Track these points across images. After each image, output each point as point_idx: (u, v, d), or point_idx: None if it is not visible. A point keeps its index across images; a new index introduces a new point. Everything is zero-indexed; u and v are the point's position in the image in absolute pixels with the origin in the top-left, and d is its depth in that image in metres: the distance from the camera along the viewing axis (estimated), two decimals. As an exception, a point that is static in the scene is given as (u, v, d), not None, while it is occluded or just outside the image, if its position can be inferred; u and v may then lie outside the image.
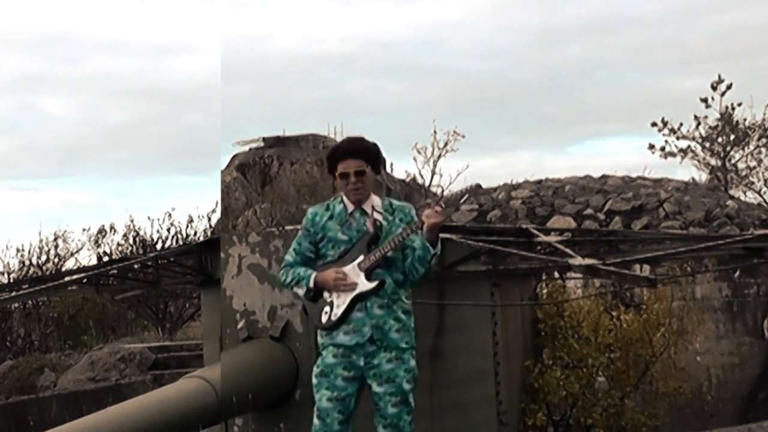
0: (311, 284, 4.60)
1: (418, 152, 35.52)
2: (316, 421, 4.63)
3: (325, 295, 4.61)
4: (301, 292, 4.66)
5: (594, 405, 7.67)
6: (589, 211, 15.36)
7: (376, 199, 4.72)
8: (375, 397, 4.62)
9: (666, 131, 28.07)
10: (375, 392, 4.61)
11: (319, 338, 4.69)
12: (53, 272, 18.35)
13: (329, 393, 4.57)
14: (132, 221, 21.14)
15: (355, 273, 4.55)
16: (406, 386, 4.66)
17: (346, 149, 4.72)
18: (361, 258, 4.57)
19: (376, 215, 4.66)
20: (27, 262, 20.60)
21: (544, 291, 8.40)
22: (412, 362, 4.70)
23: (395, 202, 4.81)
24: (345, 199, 4.70)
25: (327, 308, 4.59)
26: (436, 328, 6.77)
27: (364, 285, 4.54)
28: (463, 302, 6.71)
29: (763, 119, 27.45)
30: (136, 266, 8.50)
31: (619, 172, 16.98)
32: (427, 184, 36.38)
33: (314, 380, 4.64)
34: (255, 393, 6.11)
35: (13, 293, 8.88)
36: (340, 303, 4.56)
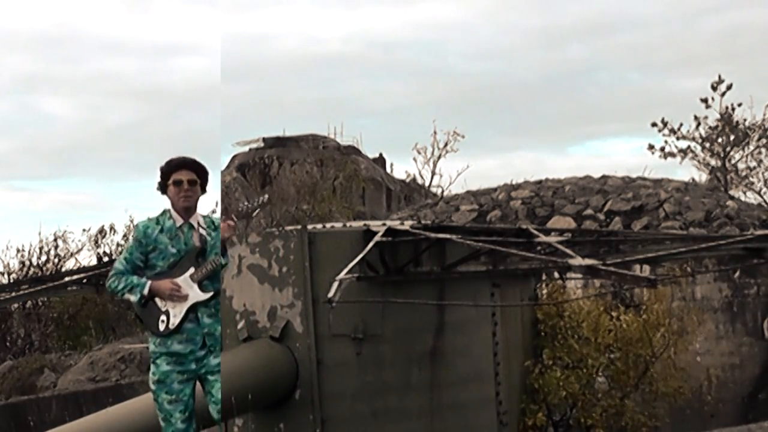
0: (146, 292, 4.91)
1: (418, 152, 35.63)
2: (162, 423, 5.03)
3: (159, 303, 4.94)
4: (133, 298, 4.94)
5: (594, 405, 7.67)
6: (589, 211, 15.36)
7: (200, 217, 5.13)
8: (207, 385, 5.03)
9: (666, 131, 28.09)
10: (208, 381, 5.03)
11: (152, 346, 5.01)
12: (53, 272, 18.35)
13: (168, 396, 4.97)
14: (132, 221, 21.16)
15: (187, 284, 4.93)
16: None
17: (181, 161, 5.11)
18: (192, 270, 4.96)
19: (201, 231, 5.07)
20: (27, 262, 20.60)
21: (544, 291, 8.39)
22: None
23: (215, 220, 5.21)
24: (174, 213, 5.07)
25: (163, 317, 4.92)
26: (436, 328, 6.77)
27: (198, 295, 4.94)
28: (463, 302, 6.71)
29: (763, 119, 27.46)
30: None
31: (619, 173, 17.00)
32: (427, 184, 36.45)
33: (152, 386, 5.01)
34: (255, 393, 6.11)
35: (13, 293, 8.88)
36: (176, 312, 4.91)
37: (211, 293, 4.99)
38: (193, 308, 4.94)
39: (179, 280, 4.93)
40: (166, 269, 4.98)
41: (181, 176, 5.04)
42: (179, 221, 5.06)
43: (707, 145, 27.94)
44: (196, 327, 4.96)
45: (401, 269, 6.59)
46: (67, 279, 8.95)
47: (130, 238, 5.11)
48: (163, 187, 5.13)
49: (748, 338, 13.05)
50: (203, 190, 5.18)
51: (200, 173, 5.11)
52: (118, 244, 21.32)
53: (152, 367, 5.01)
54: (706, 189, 18.33)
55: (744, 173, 27.91)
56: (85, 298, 17.81)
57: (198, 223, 5.09)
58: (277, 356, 6.64)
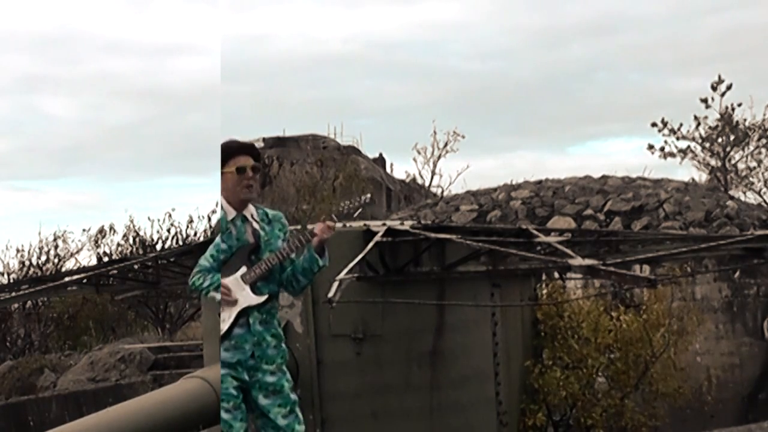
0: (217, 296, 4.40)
1: (418, 152, 35.66)
2: None
3: None
4: (218, 297, 4.41)
5: (594, 405, 7.67)
6: (589, 211, 15.37)
7: (252, 208, 4.55)
8: (263, 410, 4.48)
9: (666, 131, 28.10)
10: (262, 405, 4.47)
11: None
12: (53, 272, 18.36)
13: (225, 404, 4.43)
14: (132, 221, 21.19)
15: (238, 286, 4.39)
16: (293, 396, 4.57)
17: (241, 144, 4.54)
18: (243, 270, 4.41)
19: (255, 225, 4.51)
20: (27, 263, 20.61)
21: (544, 291, 8.40)
22: (289, 374, 4.61)
23: (270, 212, 4.65)
24: (225, 203, 4.50)
25: None
26: (436, 328, 6.77)
27: (251, 298, 4.40)
28: (463, 302, 6.71)
29: (763, 119, 27.47)
30: (136, 266, 8.51)
31: (619, 173, 17.02)
32: (427, 184, 36.47)
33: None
34: (255, 393, 6.11)
35: (13, 293, 8.88)
36: (225, 317, 4.39)
37: (265, 297, 4.42)
38: (244, 313, 4.39)
39: (229, 280, 4.38)
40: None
41: (245, 162, 4.42)
42: (231, 213, 4.47)
43: (707, 145, 27.95)
44: (246, 334, 4.40)
45: (401, 269, 6.59)
46: (67, 279, 8.94)
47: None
48: (222, 174, 4.49)
49: (748, 338, 13.06)
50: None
51: (259, 160, 4.52)
52: (118, 244, 21.37)
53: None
54: (706, 189, 18.33)
55: (744, 173, 27.92)
56: (85, 298, 17.83)
57: (252, 216, 4.51)
58: (277, 356, 6.64)
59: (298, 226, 5.09)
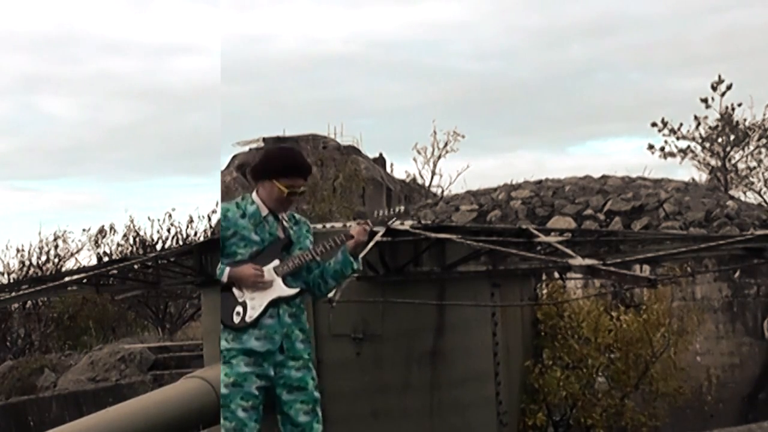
0: (224, 279, 4.43)
1: (418, 152, 35.67)
2: None
3: (237, 293, 4.44)
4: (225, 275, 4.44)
5: (594, 405, 7.66)
6: (589, 211, 15.37)
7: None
8: (284, 406, 4.48)
9: (666, 131, 28.14)
10: (284, 401, 4.47)
11: (224, 343, 4.45)
12: (53, 272, 18.37)
13: (245, 403, 4.37)
14: (132, 221, 21.20)
15: (270, 277, 4.44)
16: (316, 394, 4.60)
17: (305, 165, 4.64)
18: (276, 262, 4.47)
19: (285, 224, 4.62)
20: (27, 262, 20.63)
21: (544, 291, 8.39)
22: (314, 372, 4.64)
23: (296, 215, 4.76)
24: (258, 201, 4.57)
25: (239, 308, 4.40)
26: (436, 328, 6.76)
27: (283, 290, 4.45)
28: (463, 302, 6.71)
29: (763, 119, 27.50)
30: (136, 266, 8.49)
31: (619, 173, 17.03)
32: (427, 184, 36.47)
33: (224, 390, 4.40)
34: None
35: (13, 293, 8.86)
36: (255, 305, 4.40)
37: (297, 289, 4.48)
38: (275, 303, 4.42)
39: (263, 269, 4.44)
40: (247, 258, 4.46)
41: (297, 186, 4.55)
42: (264, 211, 4.55)
43: (707, 145, 27.97)
44: (275, 324, 4.42)
45: (401, 269, 6.59)
46: (67, 279, 8.93)
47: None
48: (260, 176, 4.59)
49: (748, 338, 13.07)
50: None
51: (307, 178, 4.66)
52: (118, 244, 21.38)
53: (225, 368, 4.41)
54: (706, 189, 18.34)
55: (744, 173, 27.95)
56: (85, 298, 17.85)
57: (282, 216, 4.63)
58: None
59: (336, 224, 5.11)
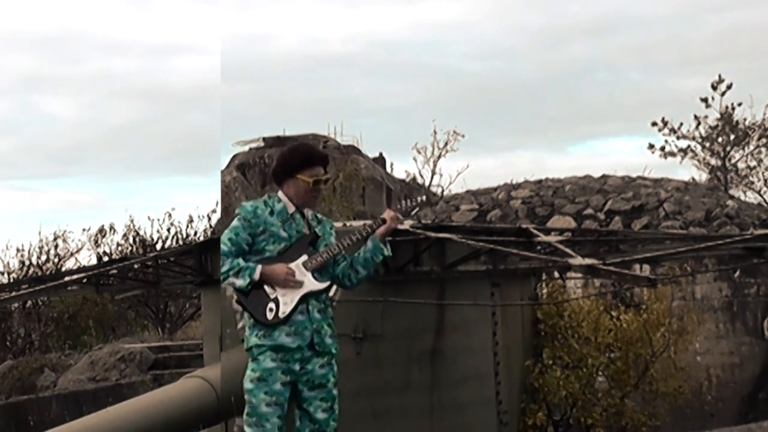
0: (256, 276, 4.46)
1: (418, 152, 35.56)
2: (249, 429, 4.46)
3: (268, 290, 4.48)
4: (240, 283, 4.46)
5: (594, 405, 7.66)
6: (589, 211, 15.37)
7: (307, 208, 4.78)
8: (303, 402, 4.55)
9: (666, 131, 28.15)
10: (304, 397, 4.54)
11: (254, 339, 4.50)
12: (53, 272, 18.36)
13: (268, 398, 4.43)
14: (132, 221, 21.19)
15: (300, 272, 4.52)
16: (335, 391, 4.65)
17: (323, 155, 4.80)
18: (304, 257, 4.55)
19: (310, 222, 4.73)
20: (27, 262, 20.61)
21: (544, 291, 8.39)
22: (336, 369, 4.69)
23: (318, 215, 4.86)
24: (285, 199, 4.68)
25: (272, 305, 4.45)
26: (436, 328, 6.76)
27: (313, 284, 4.52)
28: (463, 302, 6.71)
29: (763, 119, 27.51)
30: (136, 266, 8.49)
31: (619, 172, 17.03)
32: (427, 184, 36.46)
33: (249, 385, 4.48)
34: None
35: (13, 293, 8.86)
36: (287, 300, 4.46)
37: (327, 283, 4.56)
38: (304, 299, 4.49)
39: (291, 266, 4.51)
40: (275, 255, 4.53)
41: (322, 174, 4.68)
42: (291, 208, 4.65)
43: (707, 144, 27.97)
44: (306, 320, 4.49)
45: (401, 269, 6.59)
46: (67, 278, 8.92)
47: (234, 219, 4.60)
48: (284, 176, 4.69)
49: (748, 338, 13.07)
50: None
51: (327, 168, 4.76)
52: (118, 244, 21.37)
53: (252, 364, 4.49)
54: (706, 188, 18.34)
55: (744, 173, 27.95)
56: (85, 297, 17.83)
57: (307, 214, 4.73)
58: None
59: (335, 224, 5.20)
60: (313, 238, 4.65)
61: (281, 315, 4.45)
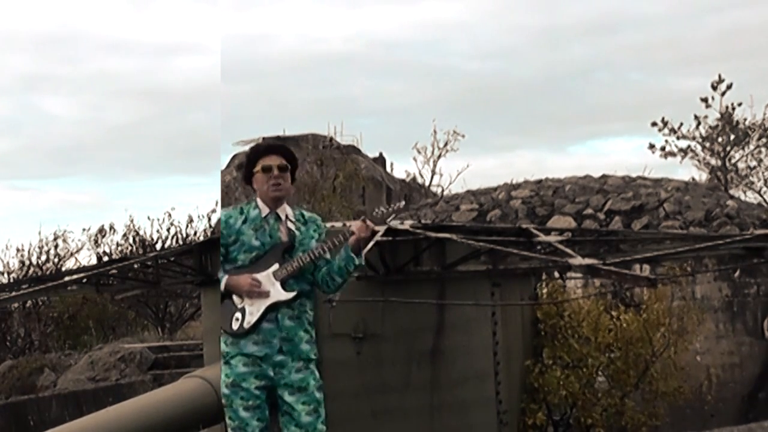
0: (222, 287, 4.51)
1: (418, 152, 35.68)
2: None
3: (236, 300, 4.50)
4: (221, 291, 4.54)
5: (594, 405, 7.66)
6: (589, 210, 15.36)
7: (288, 209, 4.69)
8: (287, 407, 4.53)
9: (666, 131, 28.15)
10: (287, 402, 4.53)
11: (223, 346, 4.53)
12: (53, 272, 18.35)
13: (245, 402, 4.45)
14: (132, 221, 21.19)
15: (269, 281, 4.48)
16: (318, 395, 4.65)
17: (270, 145, 4.77)
18: (275, 267, 4.50)
19: (290, 224, 4.63)
20: (27, 262, 20.61)
21: (544, 291, 8.38)
22: (317, 373, 4.69)
23: (306, 213, 4.80)
24: (260, 203, 4.64)
25: (238, 314, 4.46)
26: (436, 328, 6.76)
27: (280, 294, 4.47)
28: (463, 302, 6.71)
29: (763, 119, 27.51)
30: (136, 266, 8.49)
31: (620, 172, 17.02)
32: (427, 183, 36.47)
33: (225, 390, 4.49)
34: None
35: (13, 293, 8.86)
36: (253, 311, 4.45)
37: (294, 293, 4.49)
38: (274, 308, 4.46)
39: (261, 276, 4.47)
40: (248, 264, 4.52)
41: (271, 161, 4.60)
42: (265, 211, 4.61)
43: (707, 144, 27.98)
44: (274, 329, 4.46)
45: (401, 269, 6.59)
46: (67, 278, 8.91)
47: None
48: (248, 176, 4.69)
49: (748, 338, 13.06)
50: (292, 179, 4.73)
51: (291, 159, 4.68)
52: (117, 244, 21.36)
53: (224, 369, 4.51)
54: (706, 188, 18.33)
55: (744, 173, 27.95)
56: (85, 297, 17.83)
57: (286, 216, 4.64)
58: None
59: (335, 224, 5.16)
60: (289, 246, 4.57)
61: (246, 325, 4.45)
